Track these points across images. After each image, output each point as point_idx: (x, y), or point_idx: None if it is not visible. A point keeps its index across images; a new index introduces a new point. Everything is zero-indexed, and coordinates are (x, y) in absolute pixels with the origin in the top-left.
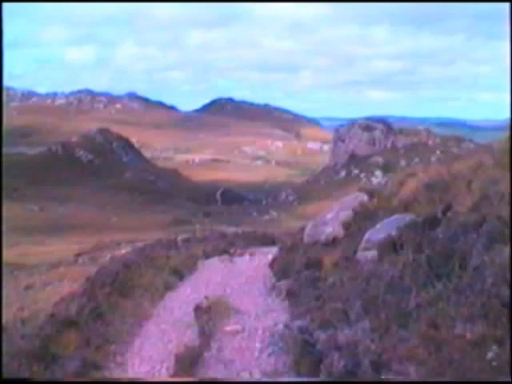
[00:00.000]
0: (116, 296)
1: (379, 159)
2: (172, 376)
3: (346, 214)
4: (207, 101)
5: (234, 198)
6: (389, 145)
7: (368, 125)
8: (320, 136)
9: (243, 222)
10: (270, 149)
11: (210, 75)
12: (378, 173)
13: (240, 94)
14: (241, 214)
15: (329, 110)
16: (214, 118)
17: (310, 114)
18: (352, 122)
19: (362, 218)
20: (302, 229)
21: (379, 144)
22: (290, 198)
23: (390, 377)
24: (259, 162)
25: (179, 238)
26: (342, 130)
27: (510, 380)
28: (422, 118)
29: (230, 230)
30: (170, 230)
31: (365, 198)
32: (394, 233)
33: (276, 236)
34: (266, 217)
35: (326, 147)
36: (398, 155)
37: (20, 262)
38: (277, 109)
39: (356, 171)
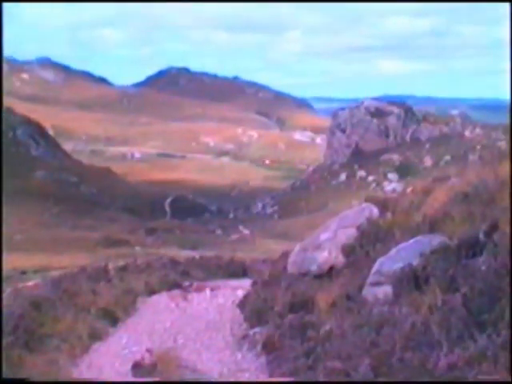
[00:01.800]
0: (19, 349)
1: (395, 157)
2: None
3: (348, 234)
4: (153, 72)
5: (189, 209)
6: (408, 136)
7: (379, 108)
8: (311, 123)
9: (202, 242)
10: (241, 140)
11: (156, 35)
12: (393, 176)
13: (200, 62)
14: (199, 231)
15: (324, 87)
16: (161, 96)
17: (297, 92)
18: (356, 105)
19: (371, 240)
20: (286, 254)
21: (395, 135)
22: (269, 210)
23: None
24: (226, 159)
25: (112, 266)
26: (343, 116)
27: (510, 380)
28: (455, 99)
29: (184, 254)
30: (98, 253)
31: (374, 211)
32: (415, 262)
33: (248, 264)
34: (235, 236)
35: (320, 139)
36: (422, 151)
37: None
38: (251, 84)
39: (362, 173)
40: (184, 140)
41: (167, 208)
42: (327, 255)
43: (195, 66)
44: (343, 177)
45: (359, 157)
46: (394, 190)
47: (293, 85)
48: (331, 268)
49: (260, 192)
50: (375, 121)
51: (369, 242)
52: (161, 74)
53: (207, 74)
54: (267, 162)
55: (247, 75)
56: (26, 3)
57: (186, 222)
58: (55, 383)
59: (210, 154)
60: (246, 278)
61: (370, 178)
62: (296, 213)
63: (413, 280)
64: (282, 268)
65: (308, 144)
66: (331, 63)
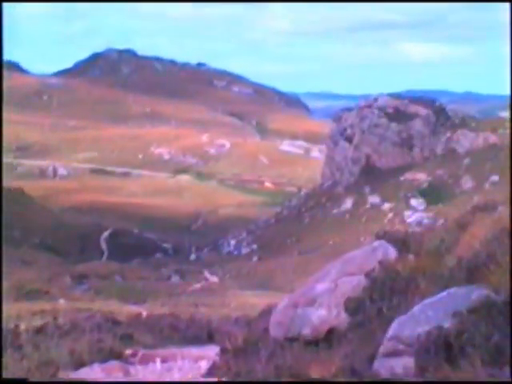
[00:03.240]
0: None
1: (421, 176)
2: None
3: (354, 284)
4: (84, 55)
5: (134, 247)
6: (440, 148)
7: (399, 108)
8: (304, 128)
9: (152, 294)
10: (206, 152)
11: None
12: (419, 202)
13: (151, 43)
14: (148, 278)
15: (322, 79)
16: (96, 90)
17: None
18: (367, 103)
19: (386, 293)
20: (268, 311)
21: (421, 146)
22: (245, 250)
23: None
24: (186, 178)
25: (24, 327)
26: (349, 119)
27: (510, 380)
28: (505, 97)
29: (127, 310)
30: (5, 308)
31: (391, 252)
32: (447, 324)
33: (215, 324)
34: (198, 284)
35: (317, 151)
36: (459, 169)
37: None
38: (222, 73)
39: (375, 199)
40: (128, 151)
41: (103, 245)
42: (325, 313)
43: (144, 48)
44: (349, 204)
45: (371, 176)
46: (418, 223)
47: (279, 75)
48: (330, 331)
49: (233, 224)
50: (394, 126)
51: (383, 296)
52: (95, 59)
53: (161, 59)
54: (243, 181)
55: (216, 61)
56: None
57: (129, 264)
58: (55, 383)
59: (163, 170)
60: (211, 344)
61: (386, 206)
62: (282, 253)
63: (443, 349)
64: (262, 330)
65: (300, 157)
66: (332, 47)
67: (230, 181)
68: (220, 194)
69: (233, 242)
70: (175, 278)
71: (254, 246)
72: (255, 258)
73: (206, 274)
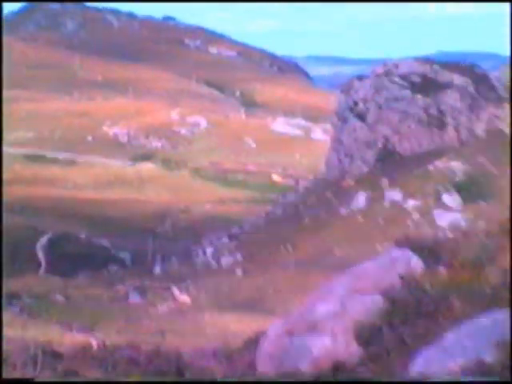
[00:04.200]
0: None
1: (456, 165)
2: None
3: (368, 305)
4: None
5: (81, 257)
6: (481, 128)
7: (427, 75)
8: (304, 102)
9: (105, 317)
10: (176, 132)
11: None
12: (453, 199)
13: None
14: (99, 296)
15: (325, 40)
16: (29, 51)
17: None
18: (385, 69)
19: (408, 316)
20: (255, 339)
21: (456, 125)
22: (226, 259)
23: None
24: (150, 166)
25: None
26: (361, 90)
27: (510, 380)
28: None
29: (71, 338)
30: None
31: (415, 263)
32: (490, 356)
33: (186, 358)
34: (164, 305)
35: (320, 131)
36: (506, 155)
37: None
38: (195, 31)
39: (395, 194)
40: (73, 131)
41: (41, 255)
42: (329, 343)
43: None
44: (361, 200)
45: (390, 164)
46: (452, 226)
47: (270, 33)
48: (336, 366)
49: (210, 226)
50: (420, 99)
51: (405, 320)
52: (31, 10)
53: (116, 11)
54: (224, 170)
55: (188, 16)
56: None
57: (74, 280)
58: (56, 383)
59: (120, 156)
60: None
61: (411, 204)
62: (274, 265)
63: None
64: (246, 366)
65: (298, 140)
66: None
67: (206, 170)
68: (194, 187)
69: (210, 250)
70: (135, 298)
71: (238, 256)
72: (239, 272)
73: (175, 291)
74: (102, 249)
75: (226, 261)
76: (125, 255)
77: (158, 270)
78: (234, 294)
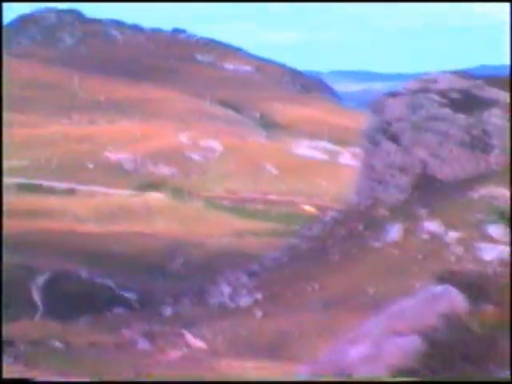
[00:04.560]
0: None
1: (502, 192)
2: None
3: (406, 348)
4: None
5: (83, 298)
6: None
7: (469, 92)
8: (330, 122)
9: (110, 366)
10: (188, 158)
11: None
12: (499, 231)
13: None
14: (104, 343)
15: (352, 54)
16: (23, 68)
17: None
18: (421, 85)
19: (451, 360)
20: None
21: (503, 147)
22: (244, 300)
23: None
24: (158, 196)
25: None
26: (394, 108)
27: (510, 380)
28: None
29: None
30: None
31: (459, 301)
32: None
33: None
34: (175, 352)
35: (348, 155)
36: None
37: None
38: (208, 44)
39: (434, 225)
40: (73, 157)
41: (37, 296)
42: None
43: (95, 8)
44: (396, 232)
45: (429, 192)
46: (499, 260)
47: (291, 46)
48: None
49: (227, 262)
50: (462, 119)
51: (448, 364)
52: (25, 22)
53: (120, 23)
54: (241, 200)
55: (201, 27)
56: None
57: (75, 324)
58: (57, 383)
59: (124, 185)
60: None
61: (452, 236)
62: (298, 305)
63: None
64: None
65: (324, 165)
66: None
67: (222, 200)
68: (208, 218)
69: (227, 290)
70: (143, 344)
71: (258, 296)
72: (259, 313)
73: (188, 336)
74: (106, 289)
75: (244, 301)
76: (131, 296)
77: (168, 312)
78: (255, 339)
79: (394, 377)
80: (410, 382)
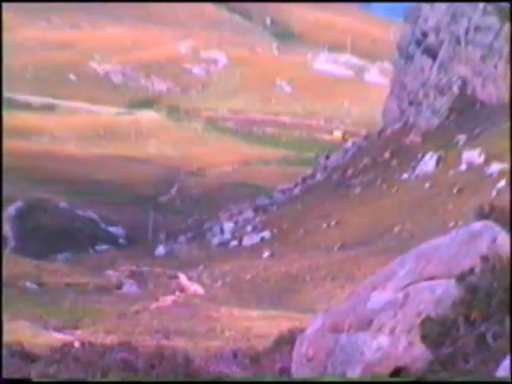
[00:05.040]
0: None
1: None
2: None
3: (438, 295)
4: None
5: (61, 233)
6: None
7: None
8: (355, 33)
9: (91, 311)
10: (186, 71)
11: None
12: None
13: None
14: (85, 285)
15: None
16: None
17: None
18: None
19: (493, 310)
20: (288, 340)
21: None
22: (250, 240)
23: None
24: (151, 116)
25: None
26: (430, 17)
27: (510, 380)
28: None
29: (47, 338)
30: None
31: (502, 239)
32: None
33: (198, 364)
34: (168, 298)
35: (376, 71)
36: None
37: None
38: None
39: (474, 154)
40: (52, 68)
41: (8, 229)
42: (388, 343)
43: None
44: (430, 162)
45: (469, 116)
46: None
47: None
48: (397, 372)
49: (230, 195)
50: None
51: (488, 313)
52: None
53: None
54: (249, 122)
55: None
56: None
57: (51, 262)
58: (54, 383)
59: (112, 101)
60: None
61: (495, 168)
62: (312, 245)
63: None
64: (278, 371)
65: (347, 82)
66: None
67: (226, 121)
68: (209, 143)
69: (229, 227)
70: (130, 287)
71: (266, 234)
72: (266, 254)
73: (183, 279)
74: (88, 222)
75: (250, 240)
76: (118, 231)
77: (161, 251)
78: (260, 284)
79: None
80: (411, 382)
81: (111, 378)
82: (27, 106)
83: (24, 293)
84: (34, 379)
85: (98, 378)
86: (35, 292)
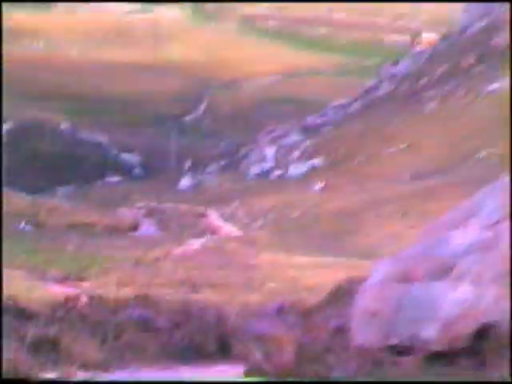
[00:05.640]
0: None
1: None
2: None
3: None
4: None
5: (62, 160)
6: None
7: None
8: None
9: (101, 258)
10: None
11: None
12: None
13: None
14: (92, 225)
15: None
16: None
17: None
18: None
19: None
20: (346, 291)
21: None
22: (297, 169)
23: None
24: (173, 14)
25: None
26: None
27: (510, 380)
28: None
29: (46, 292)
30: None
31: None
32: None
33: (234, 323)
34: (195, 242)
35: None
36: None
37: None
38: None
39: None
40: None
41: None
42: (471, 294)
43: None
44: None
45: None
46: None
47: None
48: (483, 333)
49: (271, 112)
50: None
51: None
52: None
53: None
54: (294, 21)
55: None
56: None
57: (51, 196)
58: (55, 383)
59: None
60: (225, 363)
61: None
62: (373, 175)
63: None
64: (332, 334)
65: None
66: None
67: (266, 20)
68: (245, 48)
69: (271, 152)
70: (148, 228)
71: (317, 161)
72: (317, 187)
73: (213, 218)
74: (96, 148)
75: (297, 169)
76: (132, 159)
77: (186, 183)
78: (311, 223)
79: None
80: (412, 382)
81: (125, 339)
82: (18, 4)
83: (17, 236)
84: (31, 341)
85: (110, 341)
86: (31, 235)
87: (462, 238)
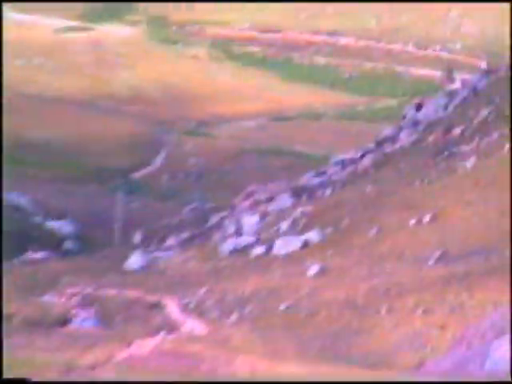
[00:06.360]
0: None
1: None
2: None
3: None
4: None
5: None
6: None
7: None
8: None
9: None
10: None
11: None
12: None
13: None
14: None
15: None
16: None
17: None
18: None
19: None
20: None
21: None
22: (285, 244)
23: None
24: (121, 33)
25: None
26: None
27: (510, 380)
28: None
29: None
30: None
31: None
32: None
33: None
34: (144, 344)
35: None
36: None
37: None
38: None
39: None
40: None
41: None
42: None
43: None
44: None
45: None
46: None
47: None
48: None
49: (252, 164)
50: None
51: None
52: None
53: None
54: (287, 45)
55: None
56: None
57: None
58: (55, 383)
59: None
60: None
61: None
62: (392, 253)
63: None
64: None
65: None
66: None
67: (247, 44)
68: (219, 78)
69: (251, 222)
70: (83, 322)
71: (313, 235)
72: (314, 269)
73: (172, 309)
74: (13, 212)
75: (286, 246)
76: (64, 228)
77: (135, 262)
78: (303, 320)
79: None
80: (415, 383)
81: None
82: None
83: None
84: None
85: None
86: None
87: (506, 350)
